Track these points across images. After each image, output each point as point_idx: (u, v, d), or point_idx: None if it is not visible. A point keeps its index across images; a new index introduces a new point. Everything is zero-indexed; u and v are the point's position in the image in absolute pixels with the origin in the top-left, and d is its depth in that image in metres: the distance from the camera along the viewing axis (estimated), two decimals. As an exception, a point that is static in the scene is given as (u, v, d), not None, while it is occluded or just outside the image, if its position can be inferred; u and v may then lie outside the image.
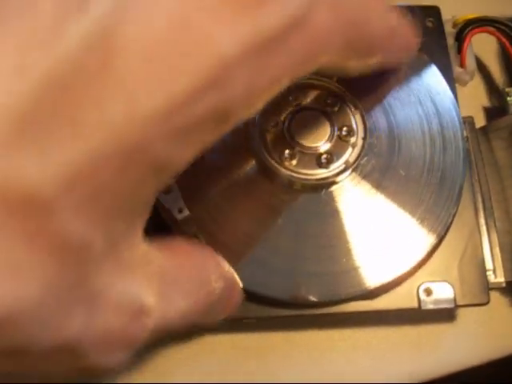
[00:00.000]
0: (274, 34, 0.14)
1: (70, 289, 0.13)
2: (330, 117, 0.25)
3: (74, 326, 0.13)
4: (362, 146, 0.25)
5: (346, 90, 0.26)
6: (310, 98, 0.26)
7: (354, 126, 0.25)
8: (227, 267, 0.19)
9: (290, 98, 0.25)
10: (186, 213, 0.23)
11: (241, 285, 0.20)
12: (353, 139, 0.25)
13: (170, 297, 0.16)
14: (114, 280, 0.14)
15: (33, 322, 0.12)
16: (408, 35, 0.21)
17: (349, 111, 0.25)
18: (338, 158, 0.25)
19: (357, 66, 0.20)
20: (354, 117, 0.25)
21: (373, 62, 0.20)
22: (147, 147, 0.13)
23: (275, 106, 0.25)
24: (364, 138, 0.25)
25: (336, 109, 0.25)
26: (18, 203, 0.12)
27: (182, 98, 0.13)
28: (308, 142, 0.25)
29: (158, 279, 0.16)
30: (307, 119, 0.25)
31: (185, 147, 0.14)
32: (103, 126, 0.12)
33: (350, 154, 0.25)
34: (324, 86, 0.26)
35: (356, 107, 0.25)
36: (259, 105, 0.15)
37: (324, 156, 0.24)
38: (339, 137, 0.25)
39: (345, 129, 0.25)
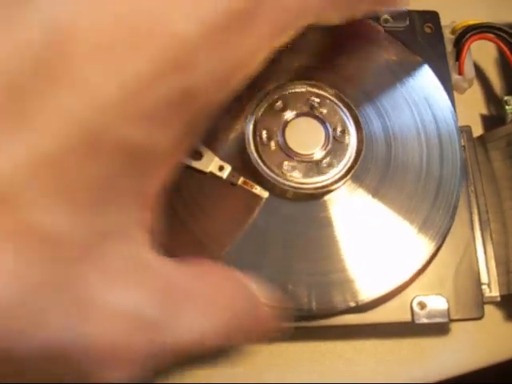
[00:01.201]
0: (236, 12, 0.13)
1: (46, 287, 0.12)
2: (321, 119, 0.25)
3: (52, 327, 0.13)
4: (360, 143, 0.24)
5: (335, 89, 0.25)
6: (297, 104, 0.25)
7: (347, 122, 0.25)
8: (254, 289, 0.18)
9: (278, 107, 0.25)
10: (229, 168, 0.24)
11: (273, 309, 0.18)
12: (348, 138, 0.24)
13: (181, 314, 0.15)
14: (101, 285, 0.13)
15: (7, 321, 0.12)
16: None
17: (339, 110, 0.25)
18: (338, 162, 0.24)
19: (340, 17, 0.18)
20: (346, 115, 0.25)
21: (355, 14, 0.19)
22: (111, 131, 0.12)
23: (267, 119, 0.25)
24: (360, 133, 0.24)
25: (325, 110, 0.25)
26: None
27: (139, 81, 0.12)
28: (305, 149, 0.24)
29: (163, 293, 0.15)
30: (299, 126, 0.25)
31: (160, 130, 0.13)
32: (62, 114, 0.12)
33: (349, 156, 0.24)
34: (311, 91, 0.25)
35: (346, 105, 0.25)
36: (234, 82, 0.14)
37: (324, 161, 0.24)
38: (335, 138, 0.24)
39: (339, 128, 0.25)
